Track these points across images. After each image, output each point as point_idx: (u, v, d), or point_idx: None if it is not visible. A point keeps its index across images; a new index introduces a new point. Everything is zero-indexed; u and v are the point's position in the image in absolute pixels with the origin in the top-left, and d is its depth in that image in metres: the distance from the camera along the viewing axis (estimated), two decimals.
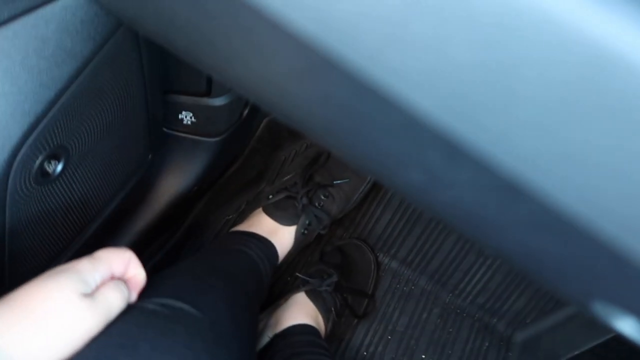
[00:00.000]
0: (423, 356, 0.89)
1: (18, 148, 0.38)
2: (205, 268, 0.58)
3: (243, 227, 0.79)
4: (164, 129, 0.66)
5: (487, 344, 0.91)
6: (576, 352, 0.80)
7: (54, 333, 0.34)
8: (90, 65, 0.42)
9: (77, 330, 0.35)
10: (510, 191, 0.21)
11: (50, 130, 0.41)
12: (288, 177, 0.84)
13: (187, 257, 0.72)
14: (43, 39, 0.37)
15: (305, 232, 0.80)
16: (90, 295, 0.36)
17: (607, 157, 0.18)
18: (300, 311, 0.77)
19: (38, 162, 0.41)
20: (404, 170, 0.25)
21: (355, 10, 0.19)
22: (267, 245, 0.75)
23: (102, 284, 0.38)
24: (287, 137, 0.91)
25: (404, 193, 0.29)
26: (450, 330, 0.92)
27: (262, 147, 0.87)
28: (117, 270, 0.40)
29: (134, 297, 0.42)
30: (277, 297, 0.82)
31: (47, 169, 0.43)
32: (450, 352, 0.90)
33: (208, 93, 0.61)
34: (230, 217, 0.92)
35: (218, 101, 0.62)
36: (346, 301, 0.83)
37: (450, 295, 0.94)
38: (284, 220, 0.78)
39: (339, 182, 0.83)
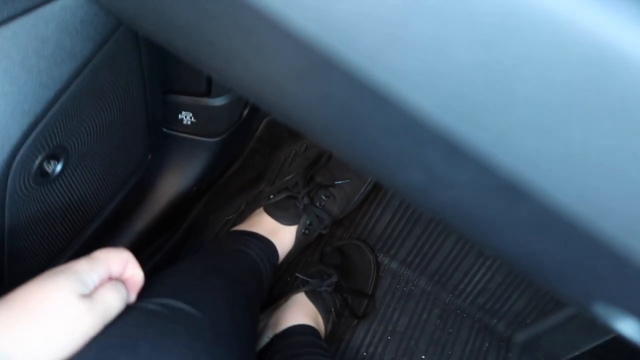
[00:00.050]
0: (423, 357, 0.89)
1: (17, 148, 0.38)
2: (206, 268, 0.58)
3: (243, 226, 0.79)
4: (164, 129, 0.66)
5: (487, 345, 0.91)
6: (576, 353, 0.80)
7: (53, 333, 0.34)
8: (90, 65, 0.42)
9: (75, 331, 0.35)
10: (510, 191, 0.21)
11: (49, 130, 0.41)
12: (289, 177, 0.84)
13: (186, 258, 0.72)
14: (43, 39, 0.37)
15: (306, 232, 0.80)
16: (88, 296, 0.36)
17: (607, 157, 0.18)
18: (300, 312, 0.77)
19: (37, 162, 0.41)
20: (404, 171, 0.25)
21: (355, 10, 0.19)
22: (267, 245, 0.75)
23: (100, 284, 0.38)
24: (287, 137, 0.91)
25: (404, 193, 0.29)
26: (450, 330, 0.92)
27: (262, 147, 0.87)
28: (115, 270, 0.40)
29: (132, 297, 0.42)
30: (277, 297, 0.82)
31: (47, 169, 0.43)
32: (450, 352, 0.90)
33: (208, 93, 0.61)
34: (230, 217, 0.92)
35: (218, 101, 0.62)
36: (346, 301, 0.83)
37: (450, 295, 0.94)
38: (285, 220, 0.78)
39: (340, 182, 0.83)
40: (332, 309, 0.80)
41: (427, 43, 0.18)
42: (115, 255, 0.40)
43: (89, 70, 0.42)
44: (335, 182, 0.83)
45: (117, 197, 0.59)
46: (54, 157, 0.43)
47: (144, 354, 0.38)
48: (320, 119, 0.26)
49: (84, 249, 0.55)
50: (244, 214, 0.92)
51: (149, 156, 0.62)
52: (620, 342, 0.31)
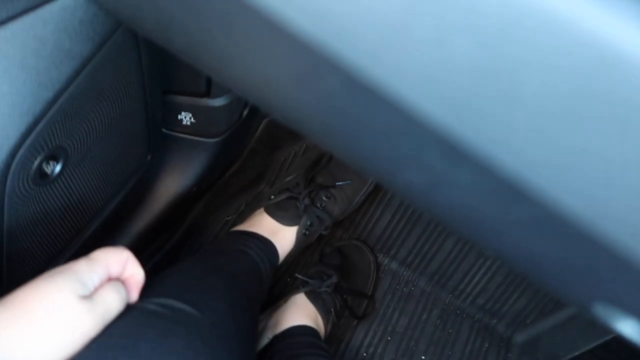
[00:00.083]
0: (423, 357, 0.89)
1: (16, 149, 0.38)
2: (206, 268, 0.58)
3: (243, 227, 0.79)
4: (163, 130, 0.66)
5: (487, 345, 0.91)
6: (576, 353, 0.80)
7: (52, 334, 0.34)
8: (89, 65, 0.42)
9: (75, 332, 0.35)
10: (510, 193, 0.21)
11: (48, 131, 0.41)
12: (290, 177, 0.84)
13: (186, 258, 0.72)
14: (42, 40, 0.36)
15: (307, 232, 0.80)
16: (88, 297, 0.36)
17: (607, 159, 0.18)
18: (299, 312, 0.77)
19: (36, 163, 0.41)
20: (404, 172, 0.25)
21: (354, 9, 0.19)
22: (267, 245, 0.75)
23: (100, 285, 0.38)
24: (286, 138, 0.91)
25: (404, 194, 0.29)
26: (450, 331, 0.92)
27: (262, 147, 0.87)
28: (115, 270, 0.40)
29: (135, 296, 0.42)
30: (276, 298, 0.82)
31: (46, 169, 0.43)
32: (450, 353, 0.90)
33: (207, 94, 0.61)
34: (230, 217, 0.92)
35: (217, 102, 0.62)
36: (346, 302, 0.83)
37: (450, 296, 0.94)
38: (286, 221, 0.78)
39: (341, 183, 0.83)
40: (332, 310, 0.80)
41: (427, 43, 0.18)
42: (114, 255, 0.40)
43: (88, 70, 0.42)
44: (336, 183, 0.83)
45: (116, 197, 0.59)
46: (53, 157, 0.43)
47: (145, 354, 0.38)
48: (319, 119, 0.26)
49: (84, 250, 0.55)
50: (244, 215, 0.92)
51: (149, 157, 0.62)
52: (620, 342, 0.31)
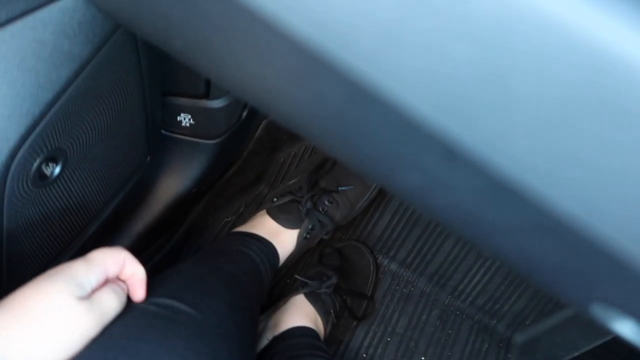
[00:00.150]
0: (422, 358, 0.89)
1: (16, 150, 0.38)
2: (207, 269, 0.58)
3: (245, 228, 0.79)
4: (163, 131, 0.66)
5: (486, 346, 0.91)
6: (576, 354, 0.80)
7: (52, 335, 0.34)
8: (88, 67, 0.42)
9: (74, 333, 0.35)
10: (507, 194, 0.21)
11: (48, 133, 0.41)
12: (293, 181, 0.84)
13: (186, 259, 0.72)
14: (41, 41, 0.37)
15: (308, 236, 0.80)
16: (86, 298, 0.36)
17: (603, 160, 0.18)
18: (299, 313, 0.77)
19: (36, 164, 0.41)
20: (402, 173, 0.25)
21: (352, 12, 0.19)
22: (268, 247, 0.75)
23: (97, 285, 0.38)
24: (285, 139, 0.91)
25: (403, 195, 0.29)
26: (450, 331, 0.92)
27: (261, 149, 0.87)
28: (112, 270, 0.40)
29: (141, 294, 0.42)
30: (276, 299, 0.82)
31: (45, 171, 0.43)
32: (449, 353, 0.90)
33: (206, 95, 0.61)
34: (229, 219, 0.92)
35: (216, 103, 0.62)
36: (345, 303, 0.83)
37: (450, 296, 0.94)
38: (287, 223, 0.78)
39: (344, 188, 0.83)
40: (332, 311, 0.80)
41: (423, 46, 0.18)
42: (111, 256, 0.40)
43: (88, 72, 0.42)
44: (339, 188, 0.83)
45: (116, 198, 0.59)
46: (52, 159, 0.43)
47: (145, 355, 0.38)
48: (317, 121, 0.26)
49: (83, 251, 0.55)
50: (243, 216, 0.92)
51: (148, 158, 0.62)
52: (619, 343, 0.31)
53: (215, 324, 0.45)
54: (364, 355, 0.87)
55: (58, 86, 0.39)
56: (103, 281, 0.39)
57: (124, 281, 0.42)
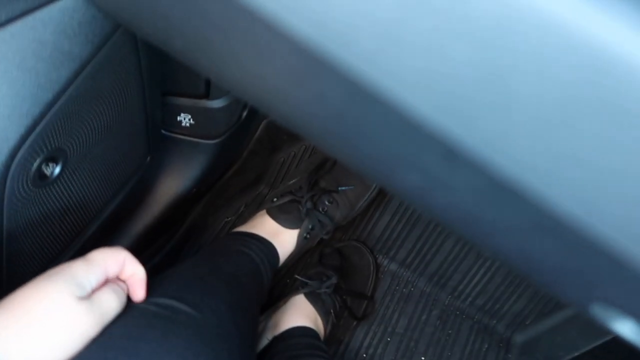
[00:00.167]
0: (422, 358, 0.89)
1: (16, 150, 0.38)
2: (207, 269, 0.58)
3: (245, 228, 0.79)
4: (163, 131, 0.66)
5: (486, 346, 0.91)
6: (576, 354, 0.80)
7: (51, 335, 0.34)
8: (88, 67, 0.42)
9: (73, 333, 0.35)
10: (507, 194, 0.21)
11: (48, 133, 0.41)
12: (293, 181, 0.84)
13: (186, 259, 0.72)
14: (41, 41, 0.37)
15: (308, 236, 0.80)
16: (86, 298, 0.36)
17: (602, 161, 0.18)
18: (299, 313, 0.77)
19: (36, 164, 0.41)
20: (402, 172, 0.25)
21: (351, 12, 0.19)
22: (268, 247, 0.75)
23: (97, 285, 0.38)
24: (285, 139, 0.91)
25: (403, 195, 0.29)
26: (450, 331, 0.92)
27: (261, 149, 0.87)
28: (112, 271, 0.40)
29: (141, 293, 0.42)
30: (276, 299, 0.82)
31: (45, 171, 0.43)
32: (449, 353, 0.90)
33: (206, 95, 0.61)
34: (229, 219, 0.92)
35: (216, 103, 0.62)
36: (345, 303, 0.83)
37: (450, 296, 0.94)
38: (287, 223, 0.78)
39: (344, 188, 0.83)
40: (332, 311, 0.80)
41: (423, 46, 0.18)
42: (111, 256, 0.40)
43: (88, 72, 0.42)
44: (339, 188, 0.83)
45: (116, 199, 0.59)
46: (52, 159, 0.43)
47: (145, 355, 0.38)
48: (318, 121, 0.26)
49: (83, 251, 0.55)
50: (243, 216, 0.92)
51: (148, 158, 0.62)
52: (619, 343, 0.31)
53: (215, 324, 0.45)
54: (364, 355, 0.87)
55: (58, 86, 0.39)
56: (103, 281, 0.39)
57: (124, 281, 0.42)
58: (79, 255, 0.40)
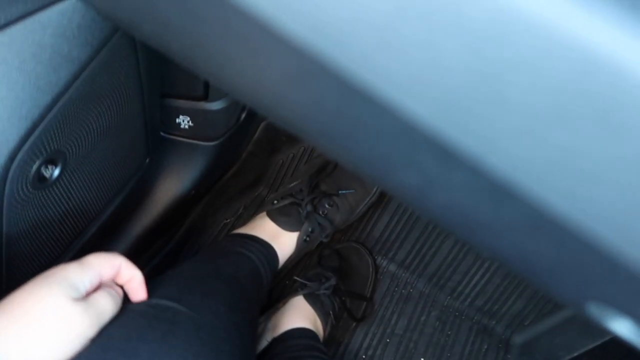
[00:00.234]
0: (422, 359, 0.89)
1: (15, 153, 0.38)
2: (206, 271, 0.58)
3: (245, 230, 0.79)
4: (162, 133, 0.67)
5: (485, 346, 0.91)
6: (575, 354, 0.80)
7: (49, 335, 0.34)
8: (87, 69, 0.42)
9: (70, 334, 0.35)
10: (502, 194, 0.21)
11: (47, 135, 0.41)
12: (294, 183, 0.84)
13: (185, 260, 0.72)
14: (40, 44, 0.37)
15: (307, 239, 0.80)
16: (81, 300, 0.37)
17: (594, 161, 0.18)
18: (298, 315, 0.77)
19: (35, 166, 0.41)
20: (399, 173, 0.25)
21: (346, 15, 0.19)
22: (267, 249, 0.75)
23: (91, 288, 0.38)
24: (284, 141, 0.91)
25: (400, 195, 0.30)
26: (449, 332, 0.92)
27: (260, 150, 0.87)
28: (107, 274, 0.40)
29: (142, 294, 0.43)
30: (275, 300, 0.82)
31: (45, 173, 0.43)
32: (449, 354, 0.90)
33: (205, 97, 0.61)
34: (228, 220, 0.92)
35: (215, 105, 0.62)
36: (344, 304, 0.83)
37: (449, 297, 0.94)
38: (287, 226, 0.78)
39: (344, 192, 0.83)
40: (331, 312, 0.80)
41: (417, 49, 0.19)
42: (106, 260, 0.40)
43: (87, 74, 0.42)
44: (340, 192, 0.83)
45: (115, 201, 0.59)
46: (51, 161, 0.43)
47: (144, 356, 0.38)
48: (315, 123, 0.26)
49: (82, 253, 0.55)
50: (242, 217, 0.92)
51: (147, 160, 0.62)
52: (618, 343, 0.31)
53: (215, 326, 0.45)
54: (363, 356, 0.87)
55: (57, 89, 0.40)
56: (97, 284, 0.39)
57: (120, 286, 0.42)
58: (79, 258, 0.40)
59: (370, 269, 0.92)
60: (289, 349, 0.71)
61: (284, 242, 0.78)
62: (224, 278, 0.58)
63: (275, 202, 0.81)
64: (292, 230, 0.79)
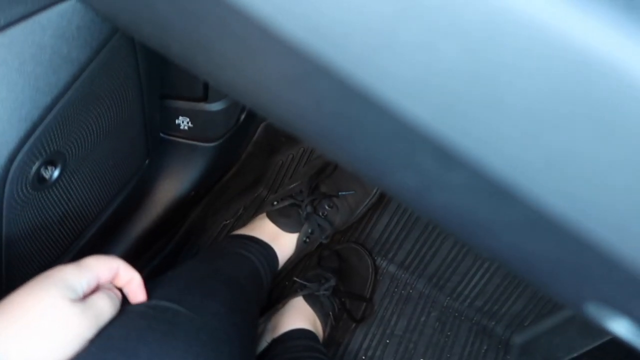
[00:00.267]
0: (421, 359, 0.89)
1: (15, 154, 0.38)
2: (206, 272, 0.58)
3: (244, 231, 0.79)
4: (161, 134, 0.67)
5: (485, 347, 0.91)
6: (574, 355, 0.80)
7: (48, 335, 0.34)
8: (87, 71, 0.42)
9: (68, 334, 0.35)
10: (501, 195, 0.21)
11: (47, 136, 0.41)
12: (294, 185, 0.84)
13: (185, 261, 0.72)
14: (40, 45, 0.37)
15: (307, 240, 0.80)
16: (78, 301, 0.37)
17: (591, 162, 0.18)
18: (298, 316, 0.77)
19: (35, 168, 0.41)
20: (398, 174, 0.25)
21: (345, 17, 0.19)
22: (267, 250, 0.76)
23: (89, 290, 0.38)
24: (284, 141, 0.91)
25: (399, 196, 0.30)
26: (449, 333, 0.92)
27: (259, 151, 0.87)
28: (104, 276, 0.40)
29: (141, 296, 0.43)
30: (275, 301, 0.82)
31: (44, 174, 0.43)
32: (448, 355, 0.90)
33: (205, 98, 0.61)
34: (228, 221, 0.92)
35: (215, 106, 0.62)
36: (344, 305, 0.83)
37: (448, 298, 0.94)
38: (287, 227, 0.78)
39: (344, 193, 0.83)
40: (330, 313, 0.80)
41: (414, 50, 0.19)
42: (104, 263, 0.40)
43: (86, 76, 0.42)
44: (340, 193, 0.83)
45: (114, 202, 0.59)
46: (51, 163, 0.43)
47: (144, 357, 0.38)
48: (314, 124, 0.26)
49: (82, 254, 0.55)
50: (242, 218, 0.92)
51: (147, 161, 0.62)
52: (617, 344, 0.31)
53: (215, 327, 0.45)
54: (363, 357, 0.87)
55: (57, 90, 0.40)
56: (95, 286, 0.39)
57: (119, 289, 0.43)
58: (78, 259, 0.40)
59: (370, 270, 0.92)
60: (289, 349, 0.71)
61: (283, 243, 0.78)
62: (224, 279, 0.58)
63: (275, 203, 0.81)
64: (291, 231, 0.79)
